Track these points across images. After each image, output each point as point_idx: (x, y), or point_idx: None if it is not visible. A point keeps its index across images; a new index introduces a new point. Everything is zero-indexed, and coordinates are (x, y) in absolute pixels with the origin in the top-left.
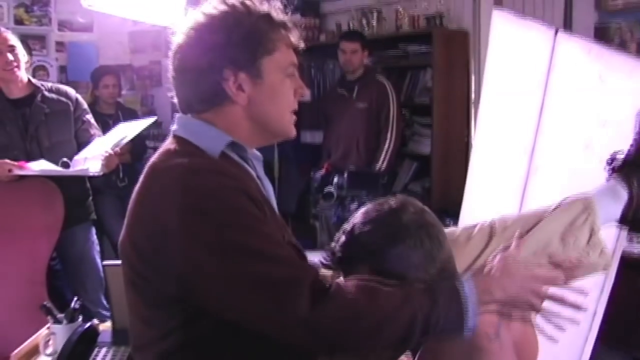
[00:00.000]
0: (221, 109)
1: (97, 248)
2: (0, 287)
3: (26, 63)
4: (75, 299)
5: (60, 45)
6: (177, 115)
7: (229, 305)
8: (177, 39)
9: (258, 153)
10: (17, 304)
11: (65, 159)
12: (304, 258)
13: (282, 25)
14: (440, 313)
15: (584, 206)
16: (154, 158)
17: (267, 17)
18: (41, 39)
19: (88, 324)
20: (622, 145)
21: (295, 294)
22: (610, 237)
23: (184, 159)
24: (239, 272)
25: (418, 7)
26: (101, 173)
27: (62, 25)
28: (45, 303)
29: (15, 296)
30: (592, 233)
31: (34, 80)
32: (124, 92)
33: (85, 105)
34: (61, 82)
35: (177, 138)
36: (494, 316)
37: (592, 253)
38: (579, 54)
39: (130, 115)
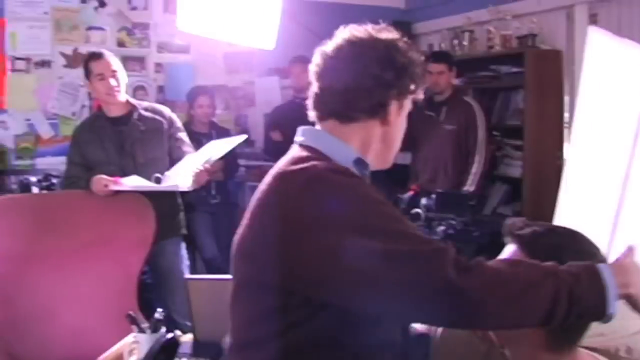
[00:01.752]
0: (366, 124)
1: (187, 262)
2: (92, 295)
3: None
4: (160, 310)
5: (158, 66)
6: (302, 127)
7: (373, 287)
8: (350, 41)
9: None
10: (107, 312)
11: (157, 175)
12: None
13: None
14: (583, 291)
15: None
16: (281, 164)
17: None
18: (141, 60)
19: (170, 335)
20: None
21: (442, 263)
22: None
23: (318, 162)
24: (385, 251)
25: (510, 27)
26: (191, 189)
27: (161, 47)
28: (130, 312)
29: (106, 305)
30: None
31: (131, 100)
32: (218, 111)
33: (179, 124)
34: (159, 102)
35: (305, 147)
36: None
37: None
38: None
39: (224, 134)
